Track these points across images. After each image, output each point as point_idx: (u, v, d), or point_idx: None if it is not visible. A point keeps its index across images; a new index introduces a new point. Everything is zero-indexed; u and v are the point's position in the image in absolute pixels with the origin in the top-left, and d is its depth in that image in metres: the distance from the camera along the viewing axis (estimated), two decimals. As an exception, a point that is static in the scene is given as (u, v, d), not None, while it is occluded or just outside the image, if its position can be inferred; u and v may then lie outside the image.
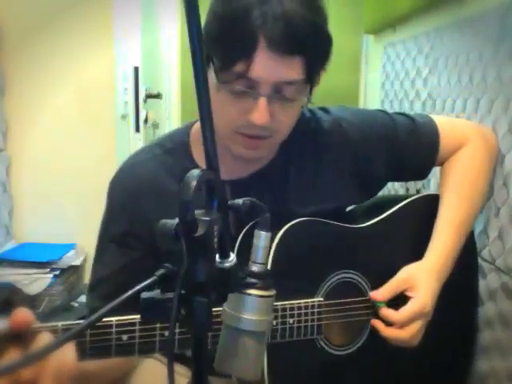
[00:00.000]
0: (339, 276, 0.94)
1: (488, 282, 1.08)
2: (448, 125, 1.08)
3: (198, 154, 0.95)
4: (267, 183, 0.95)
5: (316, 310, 0.90)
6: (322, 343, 0.92)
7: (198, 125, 0.98)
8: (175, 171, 0.94)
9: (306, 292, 0.90)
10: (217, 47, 0.81)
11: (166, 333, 0.78)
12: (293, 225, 0.89)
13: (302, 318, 0.88)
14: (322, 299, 0.91)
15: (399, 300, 0.92)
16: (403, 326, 0.89)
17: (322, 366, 0.93)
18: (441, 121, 1.08)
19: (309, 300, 0.89)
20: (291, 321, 0.87)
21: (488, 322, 1.08)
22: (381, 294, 0.92)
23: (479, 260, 1.11)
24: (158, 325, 0.77)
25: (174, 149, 0.97)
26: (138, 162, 0.97)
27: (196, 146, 0.96)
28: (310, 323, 0.89)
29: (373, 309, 0.94)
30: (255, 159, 0.93)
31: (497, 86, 1.10)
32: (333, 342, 0.93)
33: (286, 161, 0.98)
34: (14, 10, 2.07)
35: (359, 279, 0.96)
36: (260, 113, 0.81)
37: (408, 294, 0.91)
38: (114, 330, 0.75)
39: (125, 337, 0.75)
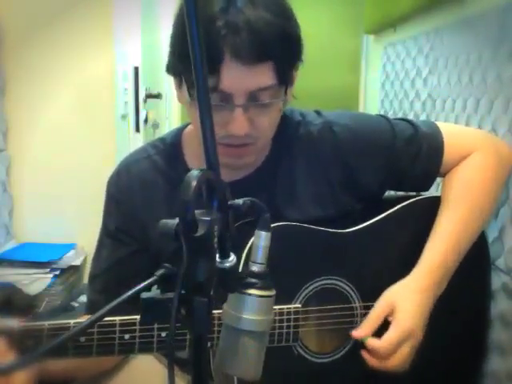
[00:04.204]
0: (321, 282, 0.92)
1: (488, 281, 1.08)
2: (455, 134, 1.02)
3: (190, 155, 0.97)
4: (254, 189, 0.93)
5: (292, 317, 0.88)
6: (299, 350, 0.90)
7: (190, 127, 0.99)
8: (165, 172, 0.96)
9: (283, 298, 0.86)
10: (185, 64, 0.81)
11: (163, 333, 0.80)
12: (272, 228, 0.87)
13: (276, 324, 0.87)
14: (299, 305, 0.90)
15: (386, 324, 0.88)
16: (390, 354, 0.85)
17: (302, 373, 0.91)
18: (448, 129, 1.01)
19: (284, 306, 0.88)
20: None
21: (489, 322, 1.08)
22: (363, 331, 0.88)
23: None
24: (156, 325, 0.79)
25: (166, 150, 0.98)
26: (133, 161, 0.99)
27: (188, 147, 0.97)
28: (285, 330, 0.88)
29: (360, 341, 0.89)
30: (242, 167, 0.92)
31: (497, 86, 1.10)
32: (315, 349, 0.92)
33: (274, 167, 0.96)
34: (14, 10, 2.07)
35: (345, 286, 0.94)
36: (238, 124, 0.80)
37: (390, 319, 0.87)
38: (117, 328, 0.78)
39: (127, 336, 0.79)
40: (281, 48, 0.79)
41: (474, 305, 1.04)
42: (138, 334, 0.79)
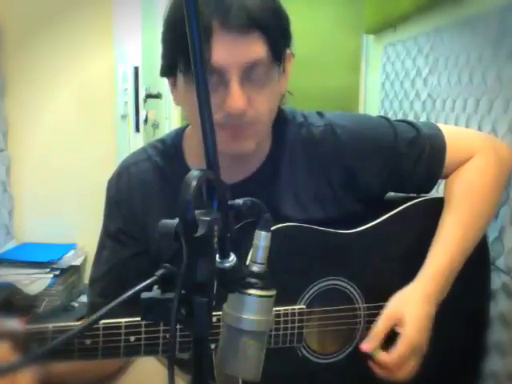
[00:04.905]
0: (325, 283, 0.92)
1: (488, 281, 1.08)
2: (456, 135, 1.02)
3: (191, 156, 0.96)
4: (255, 190, 0.93)
5: (296, 318, 0.88)
6: (303, 351, 0.90)
7: (190, 128, 0.99)
8: (166, 173, 0.96)
9: (287, 300, 0.87)
10: (177, 48, 0.81)
11: (169, 335, 0.79)
12: (275, 230, 0.85)
13: (281, 325, 0.87)
14: (303, 307, 0.89)
15: (392, 334, 0.89)
16: (398, 368, 0.86)
17: (305, 374, 0.91)
18: (449, 131, 1.01)
19: (288, 307, 0.88)
20: None
21: (488, 322, 1.08)
22: (371, 344, 0.88)
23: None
24: (161, 327, 0.79)
25: (166, 151, 0.98)
26: (133, 162, 0.99)
27: (188, 148, 0.97)
28: (289, 331, 0.88)
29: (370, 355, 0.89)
30: (244, 153, 0.89)
31: (497, 86, 1.10)
32: (319, 350, 0.92)
33: (275, 168, 0.96)
34: (14, 10, 2.07)
35: (348, 286, 0.94)
36: (234, 98, 0.79)
37: (397, 329, 0.88)
38: (123, 331, 0.78)
39: (132, 338, 0.78)
40: (270, 21, 0.80)
41: (474, 305, 1.04)
42: (143, 336, 0.79)
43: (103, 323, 0.77)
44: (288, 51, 0.90)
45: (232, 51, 0.78)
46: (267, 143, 0.96)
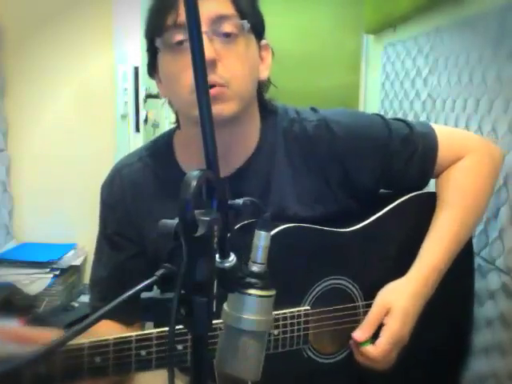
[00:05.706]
0: (327, 283, 0.92)
1: (488, 281, 1.08)
2: (449, 135, 1.03)
3: (182, 156, 0.96)
4: (246, 185, 0.93)
5: (302, 320, 0.88)
6: (309, 353, 0.91)
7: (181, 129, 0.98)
8: (157, 172, 0.96)
9: (291, 302, 0.88)
10: (151, 19, 0.88)
11: (180, 346, 0.78)
12: (277, 232, 0.86)
13: (288, 328, 0.87)
14: (308, 308, 0.90)
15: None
16: (381, 359, 0.88)
17: (311, 375, 0.92)
18: (442, 131, 1.02)
19: (294, 309, 0.88)
20: (276, 332, 0.85)
21: (488, 322, 1.08)
22: (364, 334, 0.89)
23: (479, 260, 1.11)
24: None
25: (157, 151, 0.98)
26: (126, 164, 0.99)
27: (179, 147, 0.97)
28: (296, 333, 0.88)
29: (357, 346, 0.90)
30: (226, 117, 0.86)
31: (497, 86, 1.10)
32: (322, 350, 0.92)
33: (268, 166, 0.95)
34: (14, 10, 2.07)
35: (349, 285, 0.94)
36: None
37: (384, 321, 0.90)
38: (133, 345, 0.76)
39: (143, 352, 0.77)
40: None
41: (458, 305, 1.05)
42: (154, 349, 0.77)
43: (113, 339, 0.75)
44: (264, 42, 0.93)
45: (200, 7, 0.81)
46: (255, 133, 0.96)
